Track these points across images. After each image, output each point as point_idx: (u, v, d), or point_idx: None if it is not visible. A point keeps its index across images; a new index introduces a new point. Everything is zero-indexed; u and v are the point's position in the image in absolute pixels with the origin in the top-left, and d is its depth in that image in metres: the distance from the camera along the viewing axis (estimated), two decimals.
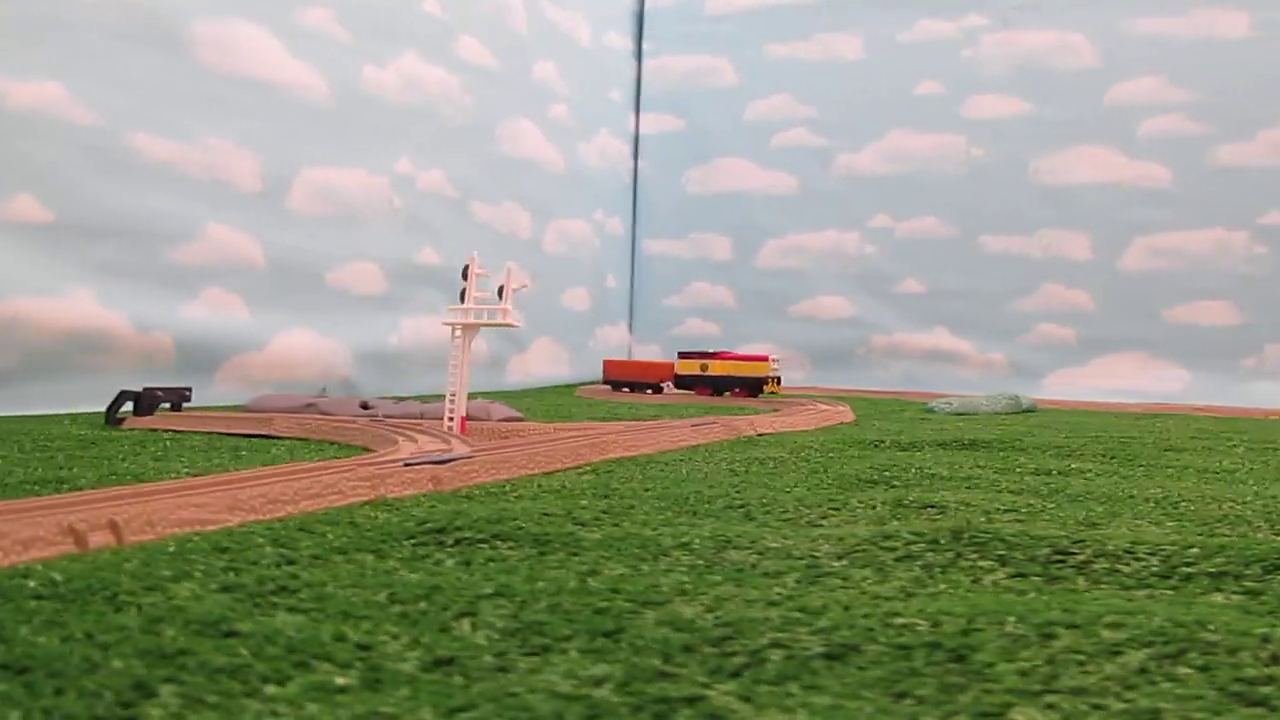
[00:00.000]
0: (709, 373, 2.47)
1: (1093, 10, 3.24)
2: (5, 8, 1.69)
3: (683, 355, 2.65)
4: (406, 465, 0.89)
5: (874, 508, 0.83)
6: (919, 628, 0.47)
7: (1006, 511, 0.82)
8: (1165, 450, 1.42)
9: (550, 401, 2.45)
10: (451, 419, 1.30)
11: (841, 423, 1.86)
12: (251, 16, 2.10)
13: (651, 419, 1.79)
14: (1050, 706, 0.37)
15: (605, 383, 2.88)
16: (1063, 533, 0.68)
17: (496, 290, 1.30)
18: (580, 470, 1.06)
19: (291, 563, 0.59)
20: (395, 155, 2.52)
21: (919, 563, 0.62)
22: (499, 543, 0.66)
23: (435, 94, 2.65)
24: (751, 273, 3.64)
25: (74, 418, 1.59)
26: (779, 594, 0.53)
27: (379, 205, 2.46)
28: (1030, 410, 2.34)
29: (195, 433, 1.35)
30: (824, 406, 2.05)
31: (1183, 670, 0.41)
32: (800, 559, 0.62)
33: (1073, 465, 1.20)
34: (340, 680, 0.39)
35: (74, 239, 1.78)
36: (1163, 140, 3.17)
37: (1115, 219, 3.21)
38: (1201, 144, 3.13)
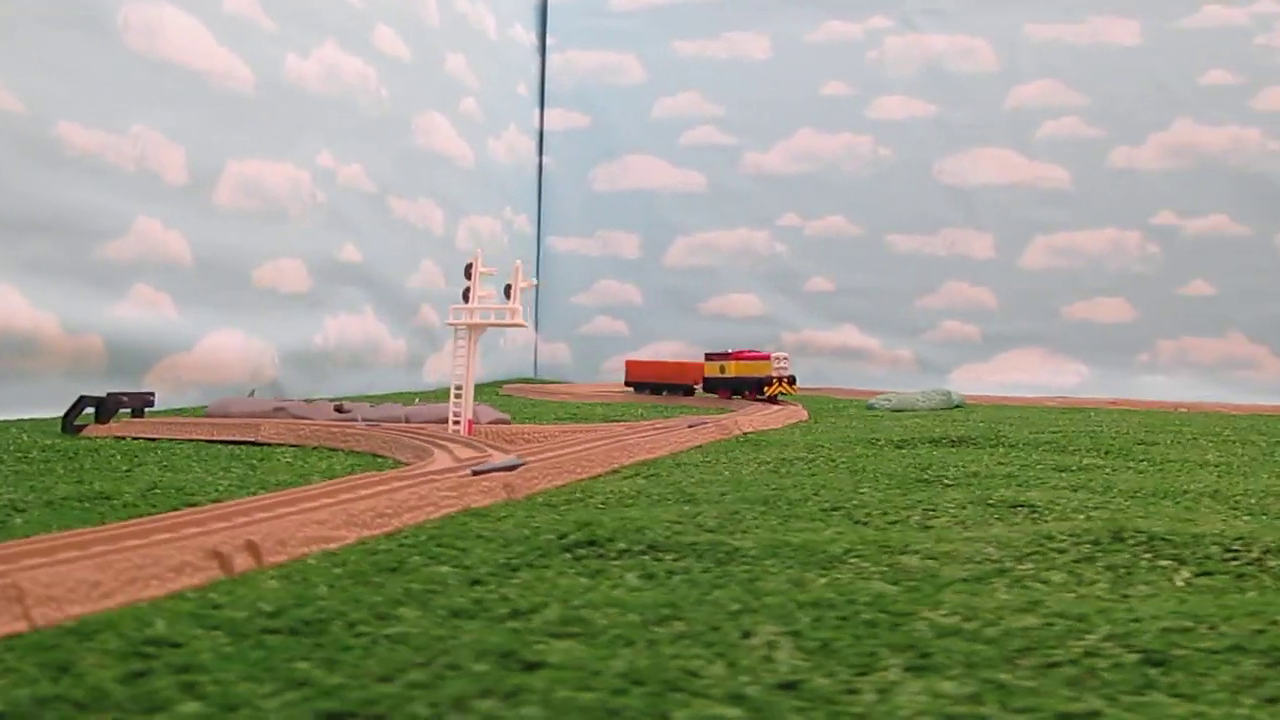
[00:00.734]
0: (727, 374, 2.29)
1: (993, 15, 3.33)
2: None
3: (709, 356, 2.45)
4: (476, 473, 0.85)
5: (964, 508, 0.83)
6: (1199, 630, 0.46)
7: (1103, 509, 0.82)
8: (1138, 444, 1.46)
9: (487, 400, 2.39)
10: (457, 422, 1.25)
11: (800, 421, 1.87)
12: (179, 1, 1.99)
13: (603, 420, 1.77)
14: None
15: (627, 384, 2.67)
16: (1207, 529, 0.69)
17: (504, 289, 1.26)
18: (621, 473, 1.03)
19: (478, 582, 0.55)
20: (316, 148, 2.42)
21: (1100, 564, 0.61)
22: (661, 554, 0.63)
23: (353, 85, 2.56)
24: (661, 271, 3.63)
25: (18, 424, 1.48)
26: (1022, 600, 0.52)
27: (303, 200, 2.36)
28: (960, 405, 2.39)
29: (177, 440, 1.27)
30: (775, 406, 2.06)
31: None
32: (979, 563, 0.61)
33: (1083, 461, 1.23)
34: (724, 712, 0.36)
35: (2, 233, 1.66)
36: (1060, 143, 3.28)
37: (1016, 219, 3.31)
38: (1097, 147, 3.25)
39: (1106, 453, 1.32)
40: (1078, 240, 3.27)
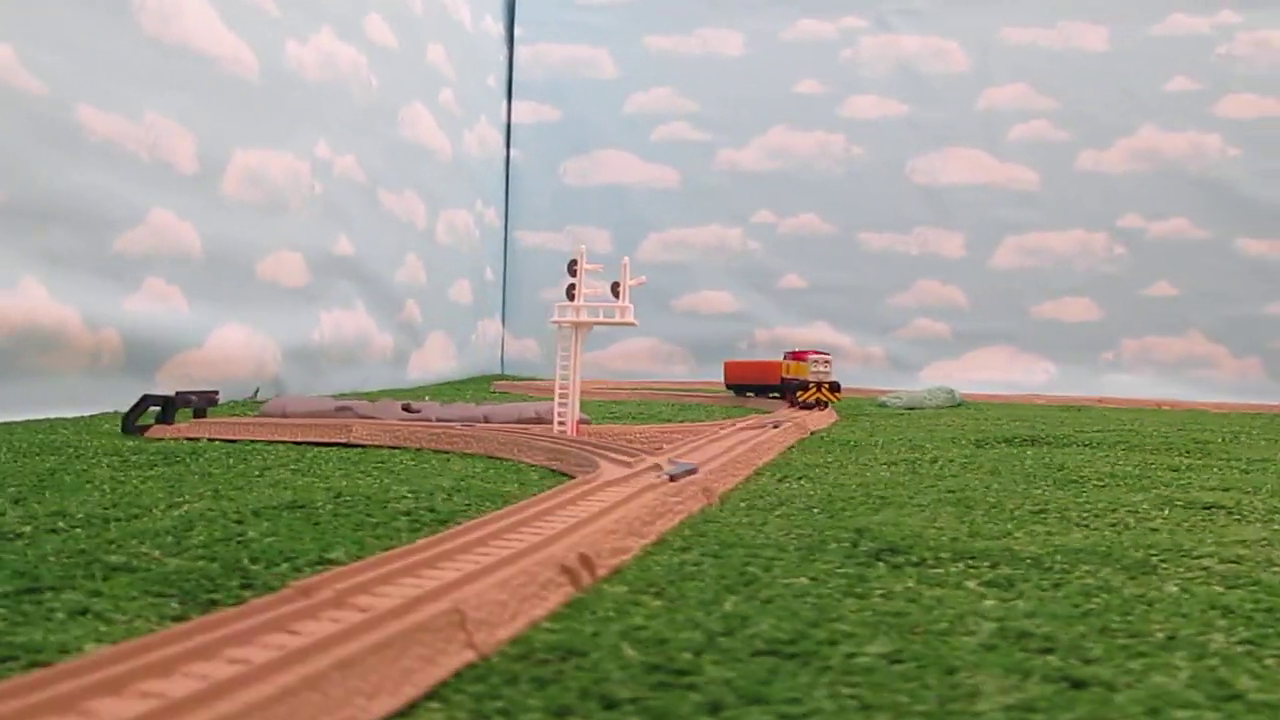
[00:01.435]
0: (792, 375, 2.11)
1: (966, 18, 3.39)
2: None
3: (788, 356, 2.23)
4: (673, 478, 0.83)
5: (1164, 509, 0.84)
6: None
7: None
8: (1195, 442, 1.49)
9: (471, 399, 2.35)
10: (563, 423, 1.22)
11: (837, 421, 1.88)
12: None
13: (635, 419, 1.75)
14: None
15: (728, 387, 2.53)
16: None
17: (610, 287, 1.23)
18: (765, 475, 1.02)
19: (854, 597, 0.54)
20: (314, 138, 2.35)
21: None
22: (974, 563, 0.62)
23: (347, 74, 2.49)
24: (632, 266, 3.60)
25: (52, 424, 1.40)
26: None
27: (302, 191, 2.29)
28: (962, 404, 2.43)
29: (259, 442, 1.22)
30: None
31: None
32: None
33: (1182, 461, 1.25)
34: None
35: (25, 223, 1.57)
36: (1030, 145, 3.35)
37: (987, 219, 3.37)
38: (1065, 150, 3.33)
39: (1188, 452, 1.35)
40: (1047, 241, 3.34)
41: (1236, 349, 3.21)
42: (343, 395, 2.14)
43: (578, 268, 1.23)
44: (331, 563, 0.59)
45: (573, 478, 0.98)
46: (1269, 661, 0.43)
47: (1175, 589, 0.56)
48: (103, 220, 1.73)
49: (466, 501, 0.80)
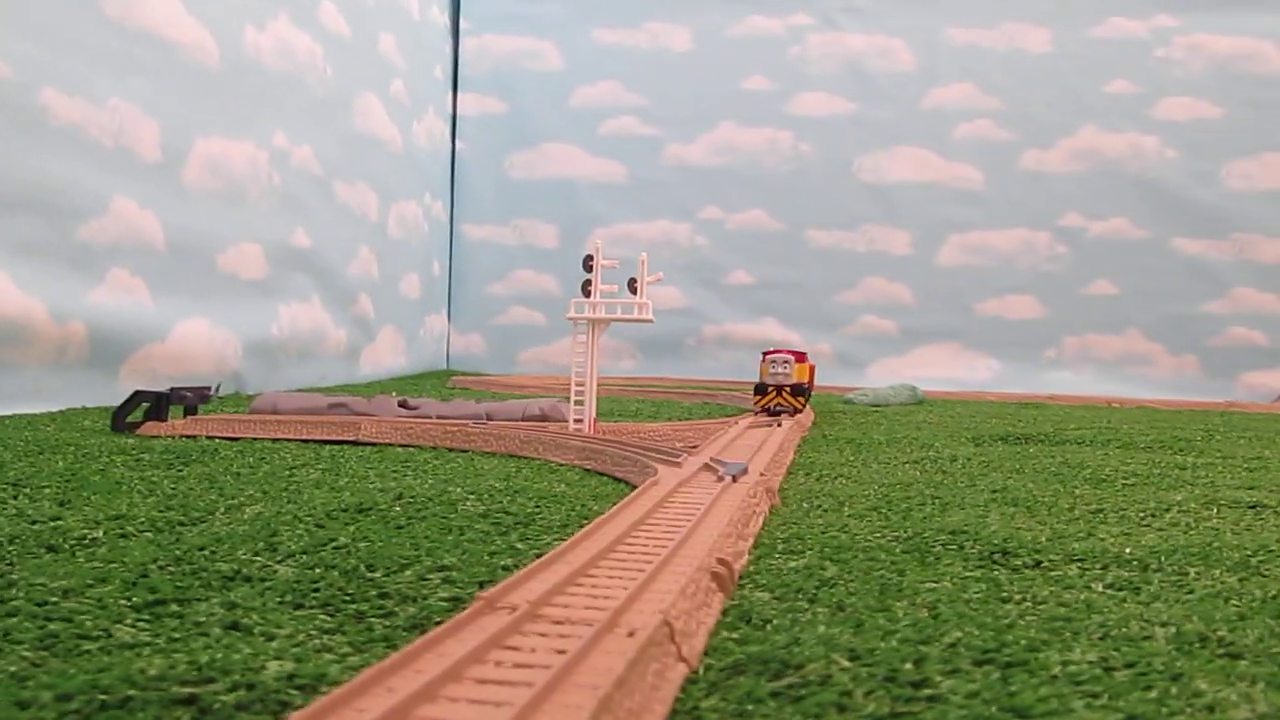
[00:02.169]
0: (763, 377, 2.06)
1: (912, 16, 3.43)
2: None
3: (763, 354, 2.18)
4: (735, 480, 0.82)
5: (1209, 508, 0.85)
6: None
7: None
8: (1180, 439, 1.52)
9: (434, 395, 2.32)
10: (580, 421, 1.20)
11: (813, 421, 1.88)
12: None
13: (635, 416, 1.74)
14: None
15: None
16: None
17: (627, 283, 1.22)
18: (798, 475, 1.02)
19: (1007, 601, 0.53)
20: (272, 128, 2.29)
21: None
22: (1085, 565, 0.62)
23: (304, 63, 2.43)
24: (579, 261, 3.58)
25: (26, 420, 1.34)
26: None
27: (261, 181, 2.23)
28: (923, 401, 2.45)
29: (263, 440, 1.18)
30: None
31: None
32: None
33: (1183, 459, 1.27)
34: None
35: None
36: (974, 144, 3.40)
37: (932, 217, 3.42)
38: (1009, 149, 3.39)
39: (1180, 450, 1.38)
40: (990, 239, 3.40)
41: (1174, 347, 3.30)
42: (310, 390, 2.09)
43: (594, 263, 1.21)
44: (447, 569, 0.57)
45: (615, 478, 0.97)
46: None
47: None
48: (67, 208, 1.66)
49: (534, 504, 0.78)
